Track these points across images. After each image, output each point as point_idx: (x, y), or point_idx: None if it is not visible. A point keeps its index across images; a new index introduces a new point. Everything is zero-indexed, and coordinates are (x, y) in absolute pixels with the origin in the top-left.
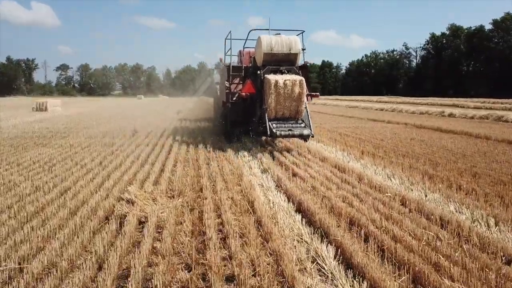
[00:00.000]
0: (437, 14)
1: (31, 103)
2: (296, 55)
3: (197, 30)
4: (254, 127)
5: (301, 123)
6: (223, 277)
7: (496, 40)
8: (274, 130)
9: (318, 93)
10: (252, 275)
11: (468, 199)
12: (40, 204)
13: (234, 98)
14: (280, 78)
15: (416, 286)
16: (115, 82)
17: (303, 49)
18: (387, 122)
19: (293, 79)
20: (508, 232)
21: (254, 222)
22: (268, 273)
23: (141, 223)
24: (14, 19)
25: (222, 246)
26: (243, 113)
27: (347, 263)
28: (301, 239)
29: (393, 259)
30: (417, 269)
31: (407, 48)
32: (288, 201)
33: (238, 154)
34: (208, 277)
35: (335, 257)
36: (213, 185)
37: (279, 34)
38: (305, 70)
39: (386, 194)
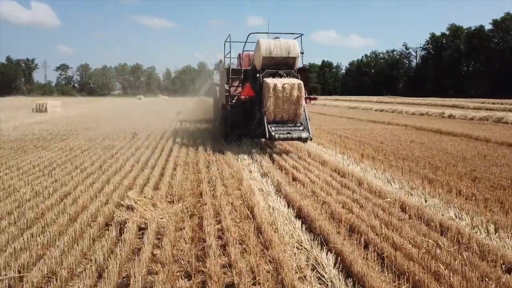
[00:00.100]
0: (437, 14)
1: (31, 104)
2: (294, 58)
3: (197, 30)
4: (253, 130)
5: (300, 126)
6: (223, 286)
7: (496, 40)
8: (272, 133)
9: (316, 97)
10: (252, 284)
11: (468, 204)
12: (40, 210)
13: (233, 101)
14: (278, 82)
15: None
16: (115, 82)
17: (301, 53)
18: (387, 123)
19: (291, 83)
20: (508, 238)
21: (254, 228)
22: (268, 281)
23: (141, 229)
24: (14, 19)
25: (222, 254)
26: (243, 116)
27: (347, 271)
28: (301, 246)
29: (393, 267)
30: (417, 278)
31: (407, 48)
32: (288, 206)
33: (238, 157)
34: (208, 285)
35: (335, 265)
36: (213, 189)
37: (278, 38)
38: (303, 73)
39: (386, 200)
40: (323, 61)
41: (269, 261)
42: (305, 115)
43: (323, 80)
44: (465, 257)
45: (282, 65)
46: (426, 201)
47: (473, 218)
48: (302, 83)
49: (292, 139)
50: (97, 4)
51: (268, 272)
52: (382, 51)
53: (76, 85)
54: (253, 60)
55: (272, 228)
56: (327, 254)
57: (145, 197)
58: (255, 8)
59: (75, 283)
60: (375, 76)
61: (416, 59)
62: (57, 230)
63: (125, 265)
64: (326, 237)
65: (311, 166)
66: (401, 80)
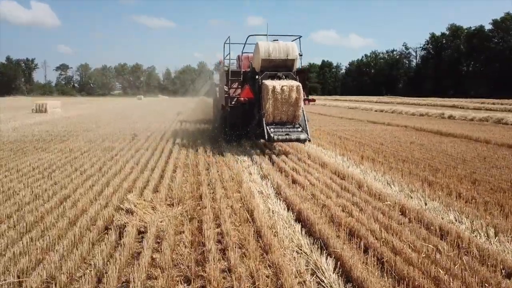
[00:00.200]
0: (437, 14)
1: (31, 104)
2: (293, 61)
3: (197, 30)
4: (252, 131)
5: (298, 127)
6: None
7: (496, 40)
8: (271, 135)
9: (314, 98)
10: None
11: (467, 207)
12: (40, 214)
13: (233, 102)
14: (277, 84)
15: None
16: (115, 82)
17: (300, 55)
18: (387, 124)
19: (290, 85)
20: (508, 243)
21: (254, 232)
22: (267, 286)
23: (141, 233)
24: (13, 19)
25: (221, 258)
26: (242, 117)
27: (347, 276)
28: (301, 250)
29: (392, 272)
30: (416, 283)
31: (407, 48)
32: (288, 209)
33: (238, 158)
34: None
35: (334, 270)
36: (213, 192)
37: (277, 40)
38: (302, 74)
39: (386, 203)
40: (323, 61)
41: (269, 266)
42: (304, 117)
43: (323, 80)
44: (465, 261)
45: (281, 67)
46: (426, 204)
47: (473, 221)
48: (300, 85)
49: (290, 140)
50: (97, 4)
51: (267, 276)
52: (382, 51)
53: (76, 85)
54: (252, 62)
55: (272, 232)
56: (326, 258)
57: (144, 200)
58: (255, 8)
59: None
60: (375, 76)
61: (416, 59)
62: (56, 234)
63: (125, 270)
64: (325, 241)
65: (311, 168)
66: (401, 80)
